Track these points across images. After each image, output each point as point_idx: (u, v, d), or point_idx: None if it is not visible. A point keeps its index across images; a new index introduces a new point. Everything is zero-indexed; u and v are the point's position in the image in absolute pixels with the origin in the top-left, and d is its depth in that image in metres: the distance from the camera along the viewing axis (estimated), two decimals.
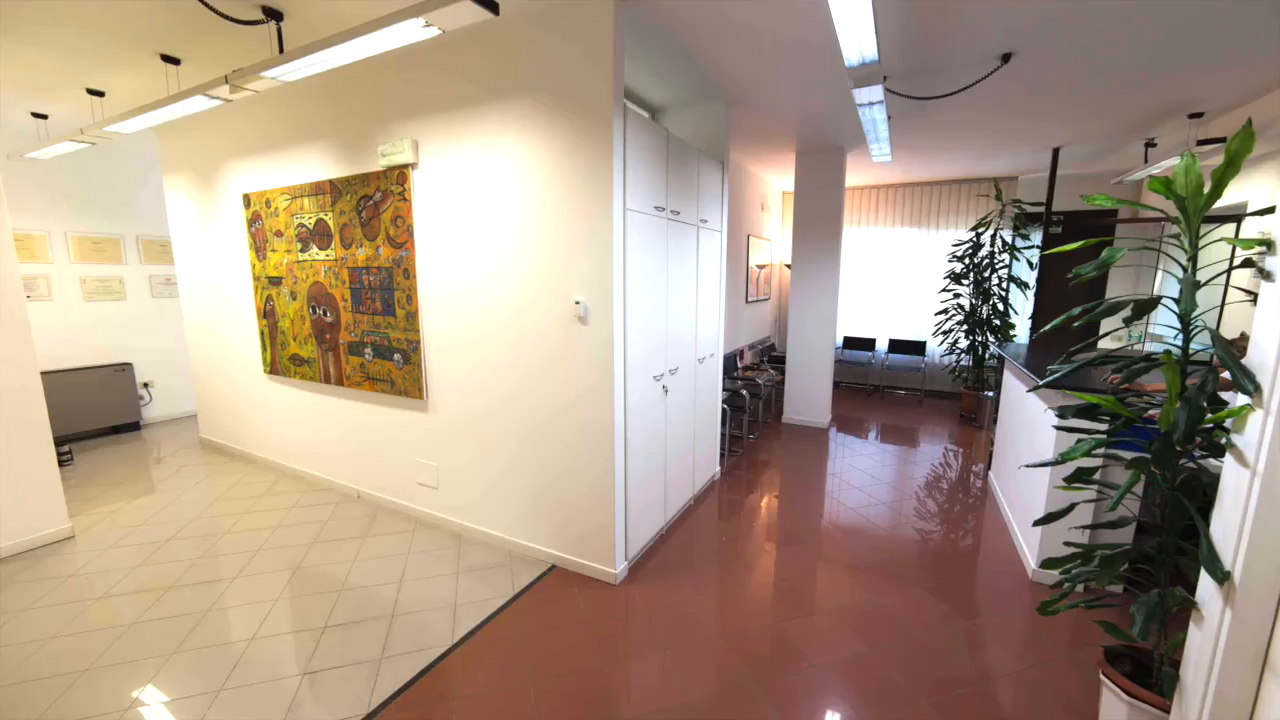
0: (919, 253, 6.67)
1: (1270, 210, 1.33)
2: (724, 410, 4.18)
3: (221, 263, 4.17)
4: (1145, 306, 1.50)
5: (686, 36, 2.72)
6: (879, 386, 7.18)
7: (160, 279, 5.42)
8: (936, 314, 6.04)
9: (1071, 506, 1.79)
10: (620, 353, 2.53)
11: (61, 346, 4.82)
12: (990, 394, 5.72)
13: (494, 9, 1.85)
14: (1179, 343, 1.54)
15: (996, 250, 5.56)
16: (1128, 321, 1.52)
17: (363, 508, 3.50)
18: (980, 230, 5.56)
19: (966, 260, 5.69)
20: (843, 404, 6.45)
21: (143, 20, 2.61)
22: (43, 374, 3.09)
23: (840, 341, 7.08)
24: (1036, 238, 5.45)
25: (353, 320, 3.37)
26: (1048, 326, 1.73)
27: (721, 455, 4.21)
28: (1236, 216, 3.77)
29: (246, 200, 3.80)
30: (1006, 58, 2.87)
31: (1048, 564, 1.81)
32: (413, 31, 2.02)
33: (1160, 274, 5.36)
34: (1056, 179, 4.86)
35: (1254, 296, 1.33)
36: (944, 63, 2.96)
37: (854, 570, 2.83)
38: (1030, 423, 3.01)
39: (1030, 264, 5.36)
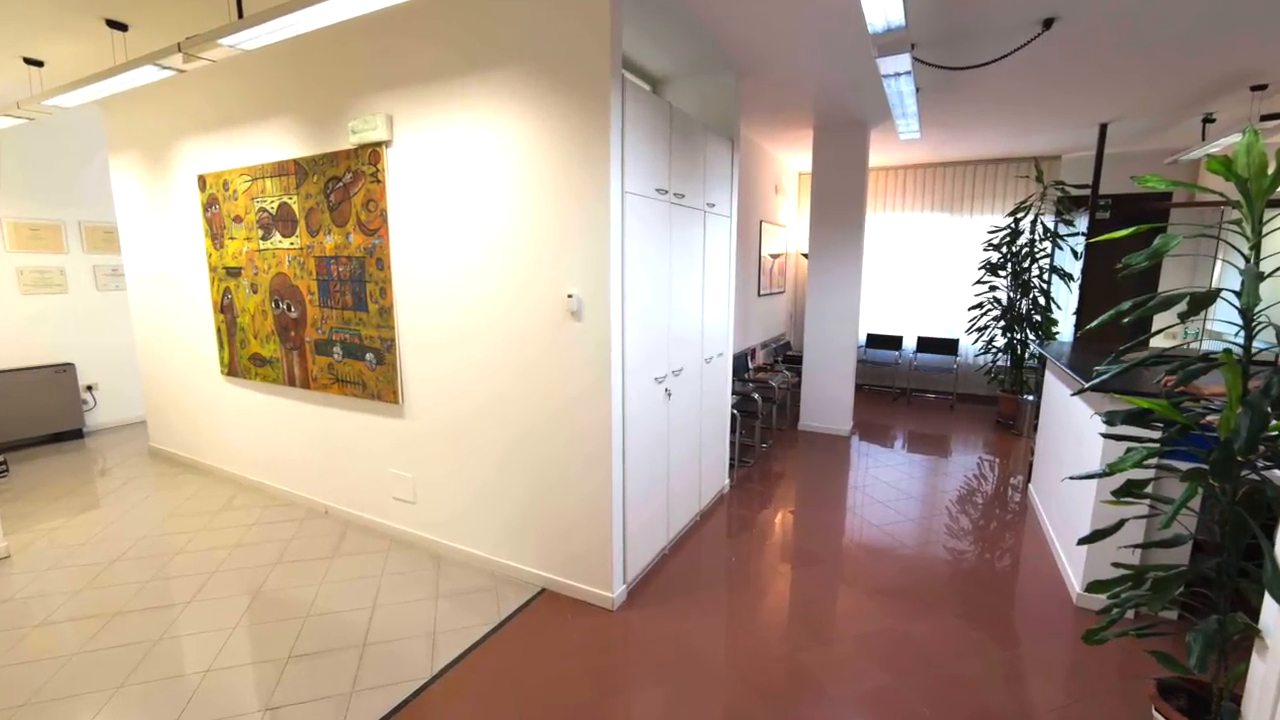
0: (951, 240, 6.67)
1: None
2: (733, 416, 4.18)
3: (174, 252, 4.17)
4: (1203, 300, 1.50)
5: None
6: (906, 389, 7.19)
7: (105, 270, 5.42)
8: (970, 309, 6.04)
9: (1120, 523, 1.79)
10: (618, 352, 2.53)
11: None
12: (1030, 398, 5.73)
13: None
14: (1240, 341, 1.54)
15: (1037, 238, 5.56)
16: (1183, 317, 1.52)
17: (331, 524, 3.50)
18: (1019, 215, 5.56)
19: (1004, 249, 5.69)
20: (866, 409, 6.45)
21: None
22: None
23: (863, 339, 7.08)
24: (1082, 224, 5.46)
25: (320, 316, 3.37)
26: (1094, 323, 1.72)
27: (731, 466, 4.21)
28: None
29: (202, 182, 3.80)
30: (1048, 23, 2.87)
31: (1094, 587, 1.81)
32: None
33: (1219, 264, 5.37)
34: (1104, 158, 4.87)
35: None
36: (978, 29, 2.96)
37: (878, 594, 2.83)
38: (1075, 430, 3.01)
39: (1075, 253, 5.36)
